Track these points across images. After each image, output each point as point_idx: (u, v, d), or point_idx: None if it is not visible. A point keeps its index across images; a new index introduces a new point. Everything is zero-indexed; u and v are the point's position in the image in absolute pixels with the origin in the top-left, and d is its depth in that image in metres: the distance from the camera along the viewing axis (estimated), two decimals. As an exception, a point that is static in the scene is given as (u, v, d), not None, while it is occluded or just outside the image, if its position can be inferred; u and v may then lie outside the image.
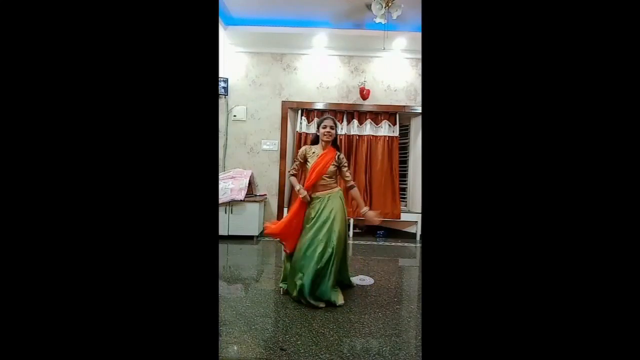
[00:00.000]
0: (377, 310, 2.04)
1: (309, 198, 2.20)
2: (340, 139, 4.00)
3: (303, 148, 2.32)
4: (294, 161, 2.35)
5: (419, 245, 3.89)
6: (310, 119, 4.18)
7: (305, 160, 2.26)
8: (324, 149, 2.24)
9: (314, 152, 2.24)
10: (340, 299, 2.08)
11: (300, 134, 4.13)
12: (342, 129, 4.14)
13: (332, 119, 2.25)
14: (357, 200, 2.31)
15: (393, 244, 3.88)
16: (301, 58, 4.14)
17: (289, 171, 2.34)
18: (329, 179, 2.20)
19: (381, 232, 4.20)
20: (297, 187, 2.21)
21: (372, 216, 2.29)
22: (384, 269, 2.94)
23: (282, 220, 2.32)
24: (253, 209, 3.72)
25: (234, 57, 4.13)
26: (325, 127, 2.20)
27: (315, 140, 2.29)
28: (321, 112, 4.02)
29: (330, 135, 2.21)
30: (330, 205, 2.15)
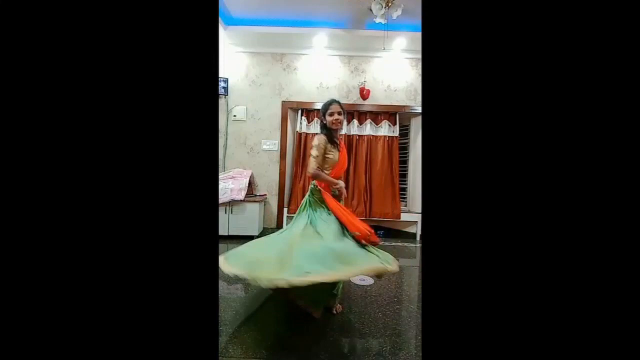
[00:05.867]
0: (377, 310, 2.04)
1: (345, 192, 1.99)
2: (340, 139, 4.00)
3: (323, 139, 1.95)
4: (315, 156, 1.92)
5: (419, 245, 3.89)
6: (310, 119, 4.18)
7: (325, 152, 1.96)
8: (337, 139, 2.01)
9: (331, 145, 1.97)
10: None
11: (300, 134, 4.13)
12: (342, 129, 4.14)
13: (339, 103, 1.99)
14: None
15: (393, 244, 3.88)
16: (301, 58, 4.14)
17: (314, 168, 1.91)
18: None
19: (381, 232, 4.19)
20: (338, 182, 1.97)
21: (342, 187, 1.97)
22: (384, 269, 2.94)
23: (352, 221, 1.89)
24: (253, 209, 3.72)
25: (234, 57, 4.12)
26: (332, 115, 1.95)
27: (326, 130, 2.00)
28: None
29: (340, 123, 1.98)
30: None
